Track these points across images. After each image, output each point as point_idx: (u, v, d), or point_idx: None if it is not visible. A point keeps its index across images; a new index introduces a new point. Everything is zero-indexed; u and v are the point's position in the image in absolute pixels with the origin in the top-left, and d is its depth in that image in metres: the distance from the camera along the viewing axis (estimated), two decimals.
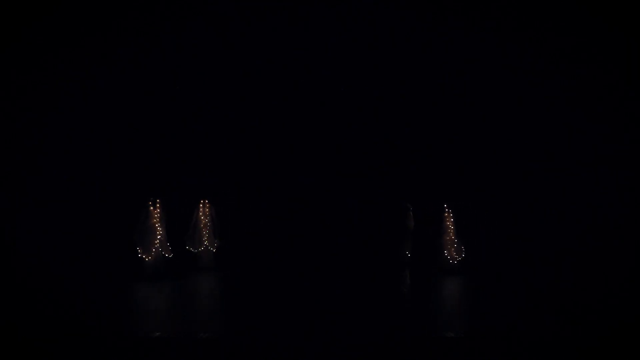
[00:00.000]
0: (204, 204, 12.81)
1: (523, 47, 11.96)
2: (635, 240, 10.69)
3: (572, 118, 11.80)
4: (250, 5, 12.32)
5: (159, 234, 11.50)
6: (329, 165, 13.29)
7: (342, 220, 13.24)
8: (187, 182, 13.01)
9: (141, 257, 11.34)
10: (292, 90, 13.06)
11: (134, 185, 12.30)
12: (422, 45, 12.57)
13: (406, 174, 13.09)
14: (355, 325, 7.67)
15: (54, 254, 11.16)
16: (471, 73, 12.51)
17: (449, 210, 12.09)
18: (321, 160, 13.31)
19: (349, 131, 13.26)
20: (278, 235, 12.91)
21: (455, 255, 11.89)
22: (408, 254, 12.65)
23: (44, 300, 8.89)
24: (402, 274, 12.23)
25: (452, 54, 12.47)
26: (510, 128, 12.40)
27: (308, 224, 13.05)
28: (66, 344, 6.83)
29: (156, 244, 11.42)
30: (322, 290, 10.21)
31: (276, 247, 12.82)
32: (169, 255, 11.59)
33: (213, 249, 12.75)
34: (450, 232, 12.00)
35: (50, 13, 11.35)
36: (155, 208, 11.56)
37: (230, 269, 12.47)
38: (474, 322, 8.06)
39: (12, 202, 11.45)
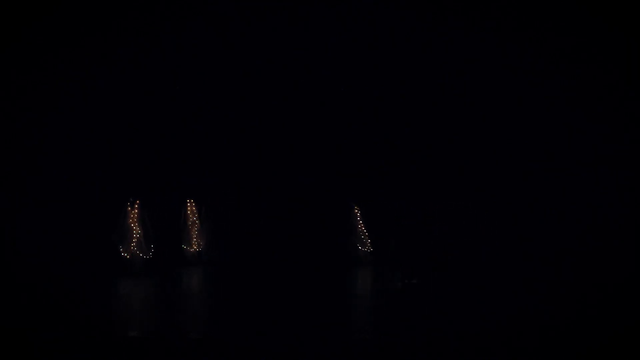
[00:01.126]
0: (190, 203, 12.93)
1: (523, 47, 11.97)
2: (635, 240, 10.69)
3: (572, 118, 11.80)
4: (250, 5, 12.33)
5: (136, 234, 11.62)
6: (328, 165, 13.28)
7: (342, 220, 13.24)
8: (188, 182, 13.05)
9: (124, 255, 11.52)
10: (291, 90, 13.07)
11: (134, 185, 12.31)
12: (422, 45, 12.57)
13: (406, 174, 13.09)
14: (354, 325, 7.67)
15: (53, 253, 11.20)
16: (471, 73, 12.51)
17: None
18: (321, 160, 13.31)
19: (349, 131, 13.26)
20: (277, 235, 12.91)
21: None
22: (361, 248, 13.01)
23: (40, 299, 8.90)
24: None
25: (452, 54, 12.48)
26: (510, 128, 12.40)
27: (308, 224, 13.04)
28: (63, 343, 6.84)
29: (134, 242, 11.53)
30: (321, 290, 10.20)
31: (275, 247, 12.81)
32: (145, 255, 11.70)
33: (209, 247, 12.86)
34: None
35: (50, 13, 11.37)
36: (132, 208, 11.67)
37: (225, 268, 12.49)
38: (473, 322, 8.04)
39: (12, 202, 11.48)
